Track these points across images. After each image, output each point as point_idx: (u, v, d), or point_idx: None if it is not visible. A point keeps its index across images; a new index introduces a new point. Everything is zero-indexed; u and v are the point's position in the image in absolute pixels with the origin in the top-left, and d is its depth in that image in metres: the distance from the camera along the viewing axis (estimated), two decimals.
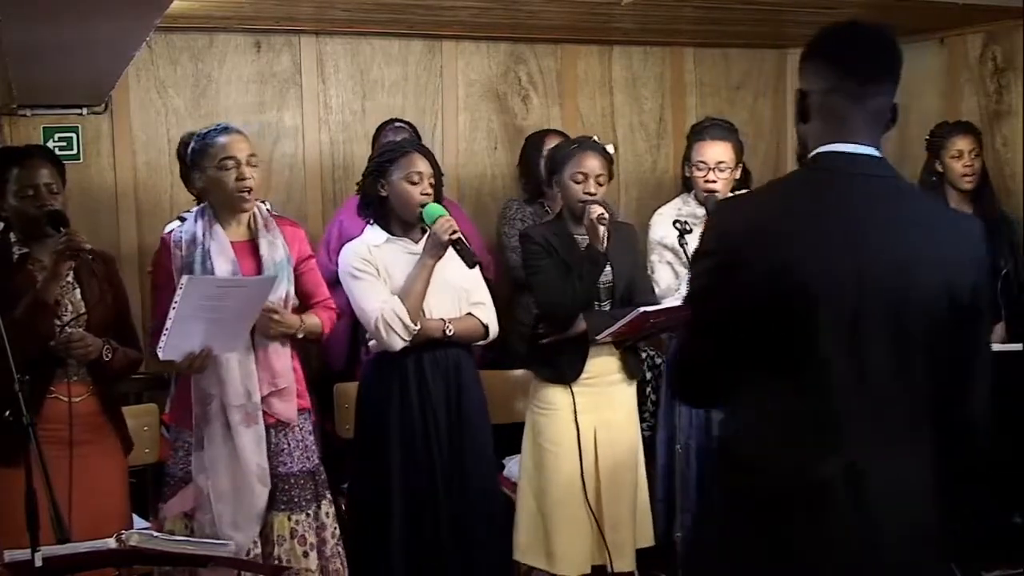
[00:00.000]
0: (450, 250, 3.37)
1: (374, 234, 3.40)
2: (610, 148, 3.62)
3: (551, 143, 4.19)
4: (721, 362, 1.90)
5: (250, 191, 3.12)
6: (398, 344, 3.29)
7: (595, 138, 3.64)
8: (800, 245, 1.80)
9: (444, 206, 3.34)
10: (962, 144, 4.22)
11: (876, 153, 1.89)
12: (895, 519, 1.80)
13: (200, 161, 3.15)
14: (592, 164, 3.46)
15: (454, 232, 3.22)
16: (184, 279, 2.91)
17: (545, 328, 3.52)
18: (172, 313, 2.89)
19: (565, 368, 3.50)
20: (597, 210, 3.39)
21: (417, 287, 3.29)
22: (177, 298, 2.88)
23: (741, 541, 1.84)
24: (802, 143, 1.97)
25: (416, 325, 3.29)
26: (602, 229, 3.37)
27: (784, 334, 1.80)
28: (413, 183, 3.30)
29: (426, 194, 3.31)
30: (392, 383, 3.37)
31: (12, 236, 3.09)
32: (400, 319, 3.26)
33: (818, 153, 1.89)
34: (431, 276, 3.30)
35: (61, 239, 2.94)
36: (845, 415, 1.79)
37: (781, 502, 1.80)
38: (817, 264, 1.78)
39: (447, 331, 3.35)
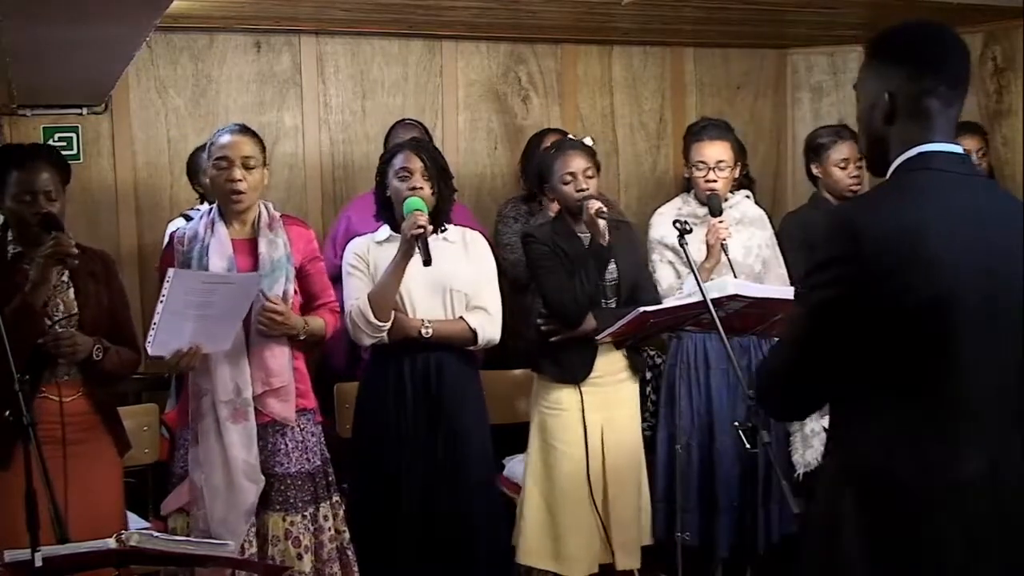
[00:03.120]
0: (454, 251, 3.38)
1: (381, 231, 3.43)
2: (588, 140, 3.63)
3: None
4: (837, 374, 1.86)
5: (239, 193, 3.12)
6: (365, 340, 3.34)
7: (571, 135, 3.66)
8: (944, 249, 1.78)
9: (454, 209, 3.36)
10: (970, 144, 4.22)
11: (963, 151, 1.92)
12: (1021, 512, 1.82)
13: (207, 158, 3.21)
14: (576, 162, 3.48)
15: (417, 227, 3.18)
16: (170, 272, 2.93)
17: (554, 327, 3.51)
18: (159, 307, 2.91)
19: (575, 367, 3.49)
20: (595, 204, 3.40)
21: (387, 284, 3.29)
22: (164, 292, 2.89)
23: (888, 550, 1.80)
24: (879, 144, 1.93)
25: (382, 322, 3.29)
26: (602, 223, 3.38)
27: (925, 339, 1.78)
28: (402, 179, 3.32)
29: (415, 188, 3.30)
30: (380, 382, 3.40)
31: (9, 235, 3.08)
32: (363, 316, 3.28)
33: (924, 153, 1.87)
34: (403, 273, 3.28)
35: (49, 243, 2.92)
36: (982, 412, 1.80)
37: (928, 506, 1.79)
38: (960, 267, 1.78)
39: (423, 332, 3.35)
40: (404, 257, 3.26)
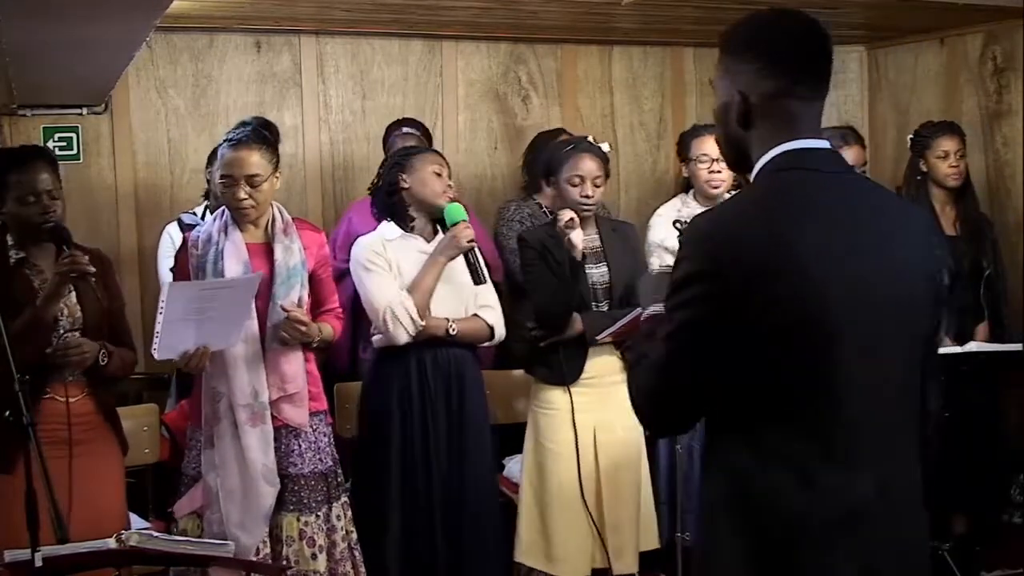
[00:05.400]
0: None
1: (388, 229, 3.44)
2: (605, 147, 3.61)
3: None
4: (708, 395, 1.69)
5: (246, 209, 3.11)
6: (403, 338, 3.32)
7: (591, 138, 3.63)
8: (814, 256, 1.60)
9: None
10: (948, 144, 4.21)
11: (831, 147, 1.75)
12: (914, 529, 1.74)
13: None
14: (589, 166, 3.46)
15: (471, 241, 3.29)
16: (166, 285, 2.94)
17: (541, 330, 3.51)
18: (160, 317, 2.90)
19: (564, 369, 3.49)
20: (565, 215, 3.42)
21: (427, 283, 3.33)
22: (162, 304, 2.89)
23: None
24: (738, 145, 1.75)
25: (423, 320, 3.31)
26: (575, 234, 3.40)
27: (799, 354, 1.62)
28: (437, 174, 3.38)
29: (450, 186, 3.39)
30: (393, 381, 3.40)
31: (9, 239, 3.06)
32: (408, 313, 3.29)
33: (789, 151, 1.69)
34: (441, 274, 3.33)
35: (65, 259, 2.91)
36: (865, 430, 1.65)
37: (816, 534, 1.63)
38: (833, 275, 1.61)
39: (451, 330, 3.38)
40: (447, 259, 3.33)
